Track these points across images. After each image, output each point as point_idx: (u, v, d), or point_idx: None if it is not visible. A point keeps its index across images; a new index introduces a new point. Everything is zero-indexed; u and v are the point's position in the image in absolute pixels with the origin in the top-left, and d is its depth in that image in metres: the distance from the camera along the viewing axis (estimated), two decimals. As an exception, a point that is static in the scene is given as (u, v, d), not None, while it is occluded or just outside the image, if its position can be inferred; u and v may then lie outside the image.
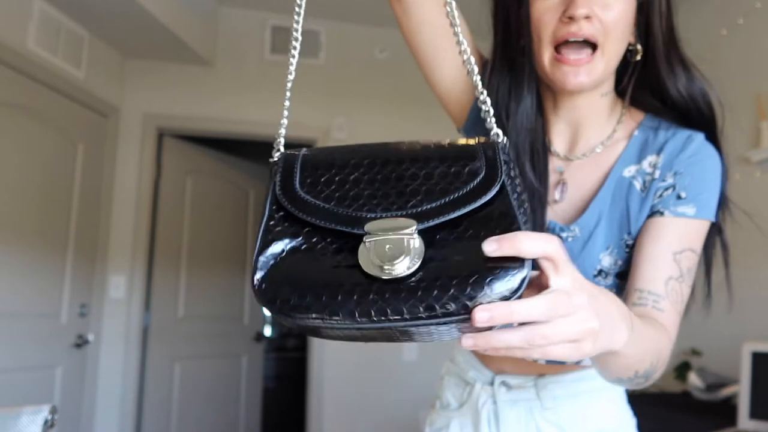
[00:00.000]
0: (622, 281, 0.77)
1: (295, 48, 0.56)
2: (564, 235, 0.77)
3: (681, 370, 2.74)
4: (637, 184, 0.76)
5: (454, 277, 0.42)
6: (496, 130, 0.53)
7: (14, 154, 2.51)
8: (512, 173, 0.49)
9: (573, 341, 0.43)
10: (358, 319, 0.43)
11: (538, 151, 0.79)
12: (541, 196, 0.78)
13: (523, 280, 0.42)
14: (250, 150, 3.99)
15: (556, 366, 0.82)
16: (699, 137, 0.75)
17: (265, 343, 4.29)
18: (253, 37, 3.46)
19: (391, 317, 0.42)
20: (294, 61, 0.57)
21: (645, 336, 0.59)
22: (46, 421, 0.63)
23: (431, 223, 0.46)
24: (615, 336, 0.48)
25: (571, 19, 0.69)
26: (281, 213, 0.50)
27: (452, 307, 0.42)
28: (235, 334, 3.74)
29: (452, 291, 0.42)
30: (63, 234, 2.80)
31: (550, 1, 0.72)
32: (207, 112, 3.33)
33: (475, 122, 0.86)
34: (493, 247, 0.41)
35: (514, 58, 0.78)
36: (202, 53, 3.23)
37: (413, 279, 0.43)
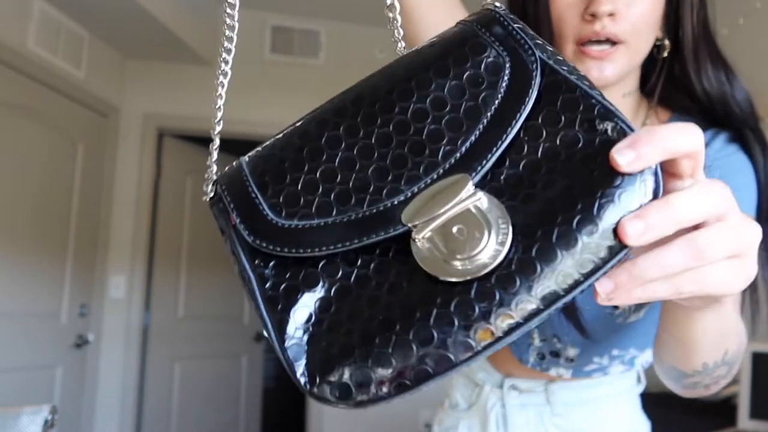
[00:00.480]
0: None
1: (230, 40, 0.42)
2: None
3: (681, 370, 2.74)
4: None
5: (569, 218, 0.29)
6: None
7: (14, 154, 2.51)
8: (539, 41, 0.35)
9: (736, 256, 0.31)
10: (479, 348, 0.29)
11: None
12: None
13: (656, 177, 0.29)
14: (250, 150, 3.98)
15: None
16: (725, 134, 0.70)
17: (265, 343, 4.29)
18: (253, 37, 3.46)
19: (522, 320, 0.29)
20: (229, 58, 0.43)
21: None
22: (46, 421, 0.62)
23: (486, 165, 0.31)
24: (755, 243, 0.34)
25: (594, 16, 0.63)
26: (272, 263, 0.33)
27: (593, 260, 0.28)
28: (235, 334, 3.73)
29: (582, 239, 0.28)
30: (63, 234, 2.80)
31: None
32: (207, 112, 3.33)
33: None
34: (628, 157, 0.29)
35: None
36: (202, 53, 3.22)
37: (513, 252, 0.29)
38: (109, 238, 3.13)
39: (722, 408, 2.19)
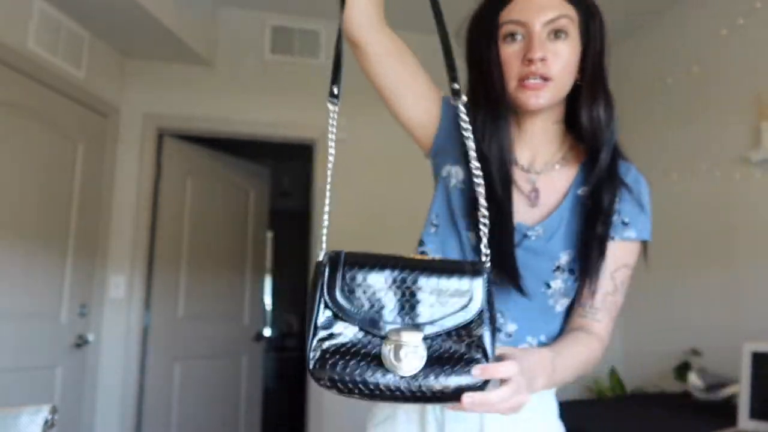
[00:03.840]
0: (572, 275, 0.93)
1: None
2: (529, 233, 0.93)
3: (681, 370, 2.74)
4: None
5: (450, 369, 0.66)
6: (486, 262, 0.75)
7: (14, 154, 2.51)
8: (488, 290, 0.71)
9: (513, 408, 0.69)
10: (397, 392, 0.65)
11: (506, 167, 0.95)
12: (503, 202, 0.92)
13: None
14: (250, 150, 3.99)
15: None
16: (634, 167, 0.97)
17: (265, 343, 4.29)
18: (253, 37, 3.46)
19: (421, 392, 0.65)
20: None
21: (569, 360, 0.83)
22: (46, 421, 0.62)
23: (433, 333, 0.67)
24: (535, 386, 0.73)
25: (530, 61, 0.88)
26: (327, 312, 0.67)
27: (447, 390, 0.66)
28: (235, 334, 3.73)
29: (448, 378, 0.65)
30: (63, 234, 2.80)
31: (514, 46, 0.91)
32: (207, 112, 3.33)
33: (439, 149, 1.01)
34: (477, 373, 0.66)
35: (488, 90, 0.95)
36: (202, 53, 3.23)
37: (421, 371, 0.65)
38: (109, 238, 3.13)
39: (722, 408, 2.19)
